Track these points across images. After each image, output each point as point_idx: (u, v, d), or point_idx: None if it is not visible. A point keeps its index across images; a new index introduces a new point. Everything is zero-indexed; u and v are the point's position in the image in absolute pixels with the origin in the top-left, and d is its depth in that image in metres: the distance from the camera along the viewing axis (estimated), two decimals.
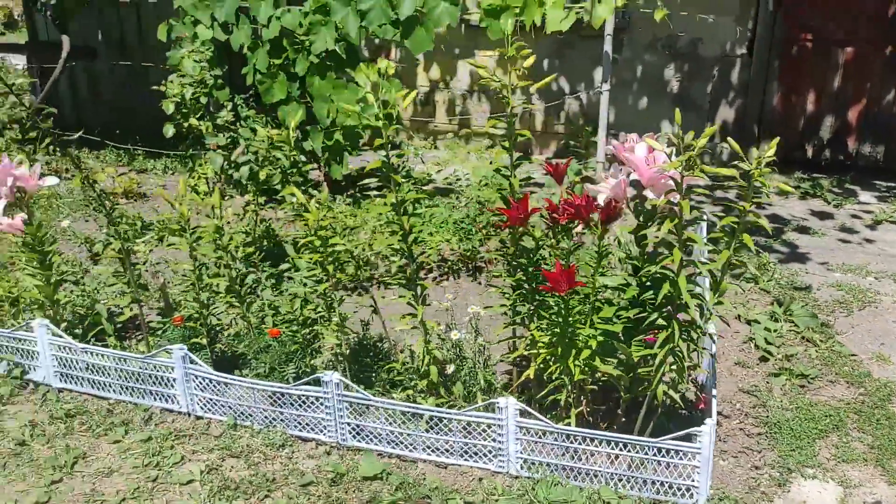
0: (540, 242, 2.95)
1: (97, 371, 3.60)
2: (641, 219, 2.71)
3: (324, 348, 3.71)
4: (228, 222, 3.42)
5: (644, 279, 2.76)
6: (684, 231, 2.51)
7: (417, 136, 7.18)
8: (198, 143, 5.58)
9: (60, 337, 3.61)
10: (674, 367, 2.85)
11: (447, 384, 3.34)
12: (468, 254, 4.70)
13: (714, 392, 3.09)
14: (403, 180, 2.97)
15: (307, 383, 3.24)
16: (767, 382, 3.66)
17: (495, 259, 4.78)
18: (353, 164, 5.68)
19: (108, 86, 7.73)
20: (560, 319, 2.91)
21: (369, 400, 3.17)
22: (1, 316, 4.08)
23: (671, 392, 2.88)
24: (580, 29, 4.89)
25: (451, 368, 3.36)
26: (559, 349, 2.94)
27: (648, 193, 2.58)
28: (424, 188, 5.04)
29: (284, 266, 4.33)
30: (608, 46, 4.79)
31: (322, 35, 5.08)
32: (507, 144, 2.97)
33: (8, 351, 3.73)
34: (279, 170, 3.90)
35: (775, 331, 4.00)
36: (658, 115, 6.54)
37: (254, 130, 4.23)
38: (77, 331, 3.79)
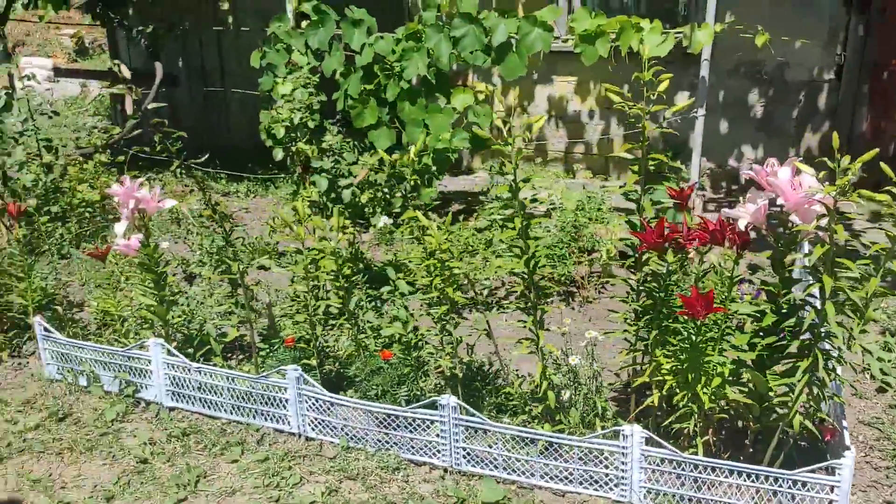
0: (671, 267, 2.92)
1: (208, 390, 3.64)
2: (782, 244, 2.67)
3: (430, 370, 3.71)
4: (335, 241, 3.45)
5: (782, 306, 2.71)
6: (838, 258, 2.46)
7: (493, 160, 7.20)
8: (283, 167, 5.67)
9: (175, 356, 3.66)
10: (810, 396, 2.78)
11: (562, 410, 3.31)
12: (561, 278, 4.68)
13: (844, 423, 3.01)
14: (529, 205, 2.97)
15: (422, 406, 3.24)
16: (889, 415, 3.55)
17: (589, 284, 4.76)
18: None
19: (189, 111, 7.92)
20: (689, 346, 2.87)
21: (486, 424, 3.15)
22: (104, 332, 4.17)
23: (807, 423, 2.81)
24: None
25: (566, 394, 3.33)
26: (688, 376, 2.89)
27: (794, 219, 2.54)
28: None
29: (385, 289, 4.35)
30: (705, 71, 4.77)
31: (414, 61, 5.14)
32: (636, 168, 2.95)
33: (120, 369, 3.80)
34: (381, 193, 3.94)
35: (889, 361, 3.90)
36: (740, 140, 6.47)
37: (361, 152, 4.29)
38: (189, 350, 3.84)
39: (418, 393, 3.52)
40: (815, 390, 2.73)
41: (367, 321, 3.97)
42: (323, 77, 5.49)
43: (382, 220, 5.20)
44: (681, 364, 2.92)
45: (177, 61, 7.79)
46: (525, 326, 3.18)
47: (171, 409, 3.72)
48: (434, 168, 5.39)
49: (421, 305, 4.57)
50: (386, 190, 3.74)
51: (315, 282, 3.58)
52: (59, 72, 8.83)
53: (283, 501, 3.07)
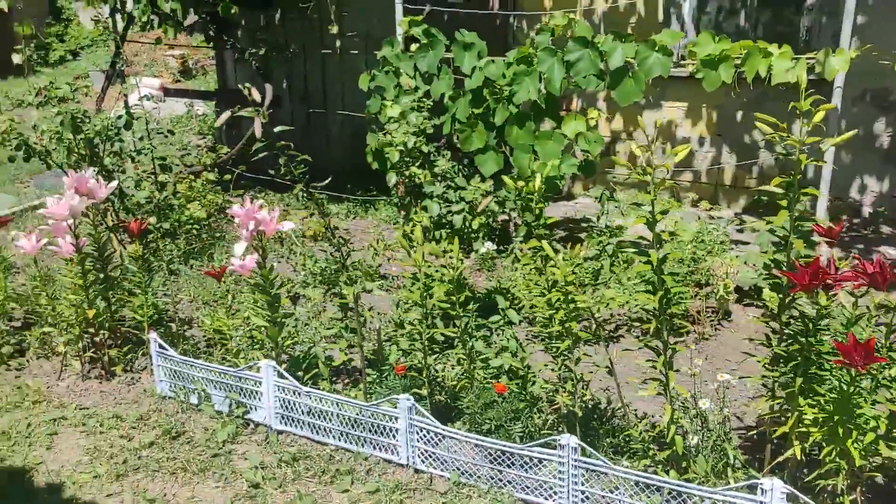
0: (822, 310, 2.70)
1: (317, 415, 3.59)
2: None
3: (544, 406, 3.57)
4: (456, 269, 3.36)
5: None
6: None
7: (594, 187, 7.03)
8: (386, 190, 5.64)
9: (285, 379, 3.63)
10: None
11: (689, 457, 3.11)
12: (678, 313, 4.47)
13: None
14: (667, 239, 2.81)
15: (538, 445, 3.10)
16: None
17: (705, 320, 4.53)
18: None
19: (291, 132, 8.03)
20: (839, 396, 2.65)
21: (608, 468, 2.98)
22: (214, 351, 4.19)
23: None
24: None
25: (693, 440, 3.14)
26: (838, 430, 2.67)
27: None
28: (622, 242, 4.86)
29: (495, 318, 4.24)
30: (837, 99, 4.51)
31: (525, 85, 5.05)
32: (785, 203, 2.76)
33: (231, 389, 3.79)
34: (489, 219, 3.83)
35: None
36: (863, 171, 6.12)
37: (466, 177, 4.21)
38: (299, 373, 3.81)
39: (533, 430, 3.39)
40: None
41: (477, 351, 3.86)
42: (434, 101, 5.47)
43: (486, 246, 5.10)
44: (828, 416, 2.70)
45: (281, 83, 7.92)
46: (654, 366, 3.01)
47: (280, 432, 3.69)
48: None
49: (527, 335, 4.46)
50: (507, 216, 3.62)
51: (427, 308, 3.50)
52: (167, 91, 9.12)
53: None
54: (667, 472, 3.09)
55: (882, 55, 4.62)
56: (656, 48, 4.74)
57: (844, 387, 2.64)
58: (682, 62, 6.07)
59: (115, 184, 4.27)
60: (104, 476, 3.30)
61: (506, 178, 3.55)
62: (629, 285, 4.58)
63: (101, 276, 4.20)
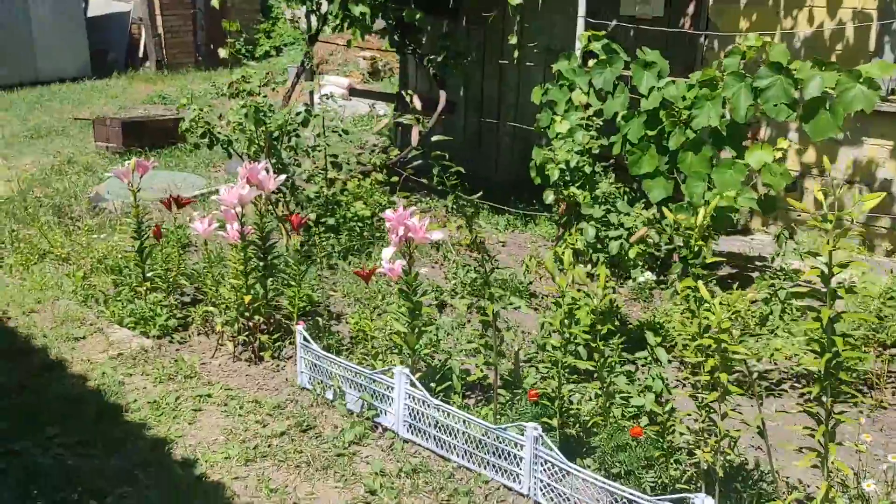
0: None
1: (443, 430, 3.53)
2: None
3: (682, 458, 3.30)
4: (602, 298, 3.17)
5: None
6: None
7: (775, 223, 6.50)
8: (547, 207, 5.50)
9: (417, 388, 3.60)
10: None
11: None
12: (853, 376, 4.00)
13: None
14: (831, 290, 2.48)
15: (671, 500, 2.85)
16: None
17: (886, 386, 4.02)
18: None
19: (462, 138, 8.08)
20: None
21: None
22: (356, 348, 4.23)
23: None
24: None
25: None
26: None
27: None
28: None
29: (641, 354, 3.99)
30: None
31: (706, 110, 4.73)
32: None
33: (364, 390, 3.81)
34: (650, 248, 3.59)
35: None
36: None
37: (632, 202, 4.00)
38: (431, 384, 3.77)
39: (667, 482, 3.13)
40: None
41: (617, 387, 3.64)
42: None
43: (645, 276, 4.82)
44: None
45: (458, 90, 7.99)
46: (813, 436, 2.67)
47: (406, 440, 3.66)
48: (711, 227, 4.92)
49: (677, 378, 4.15)
50: (662, 245, 3.40)
51: (567, 335, 3.33)
52: (353, 91, 9.48)
53: None
54: None
55: None
56: (861, 79, 4.27)
57: None
58: (891, 97, 5.46)
59: (283, 177, 4.44)
60: (234, 458, 3.41)
61: (665, 210, 3.31)
62: (800, 337, 4.15)
63: (262, 264, 4.38)
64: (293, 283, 4.42)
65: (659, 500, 2.89)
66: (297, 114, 5.43)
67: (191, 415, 3.76)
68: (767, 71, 4.52)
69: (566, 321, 3.26)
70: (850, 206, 6.20)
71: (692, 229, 3.06)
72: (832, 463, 2.65)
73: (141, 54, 16.69)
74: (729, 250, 6.19)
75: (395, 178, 6.53)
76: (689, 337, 2.93)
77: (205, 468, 3.34)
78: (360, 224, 6.05)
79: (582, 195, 4.19)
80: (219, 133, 5.27)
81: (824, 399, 2.61)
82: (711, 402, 2.86)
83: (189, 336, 4.68)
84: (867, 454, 3.26)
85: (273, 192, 5.69)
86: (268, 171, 4.38)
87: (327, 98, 6.07)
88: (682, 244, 5.00)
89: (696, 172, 4.76)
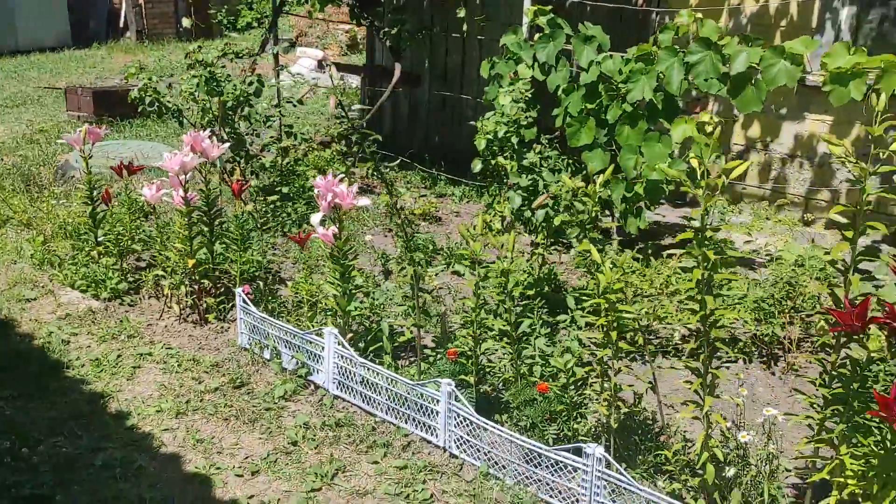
0: (873, 356, 2.47)
1: (369, 387, 3.72)
2: None
3: (589, 412, 3.50)
4: (512, 262, 3.35)
5: None
6: None
7: (723, 196, 6.68)
8: (500, 180, 5.66)
9: (345, 348, 3.78)
10: None
11: (722, 488, 2.94)
12: (765, 338, 4.20)
13: None
14: (715, 255, 2.66)
15: (567, 450, 3.05)
16: None
17: (799, 350, 4.22)
18: (650, 217, 5.40)
19: (425, 112, 8.21)
20: (883, 451, 2.41)
21: (631, 485, 2.88)
22: (299, 317, 4.41)
23: None
24: None
25: (730, 471, 2.96)
26: (875, 486, 2.43)
27: None
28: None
29: (562, 318, 4.18)
30: None
31: (641, 84, 4.88)
32: (849, 235, 2.53)
33: (298, 350, 3.99)
34: (575, 219, 3.76)
35: None
36: None
37: (554, 172, 4.16)
38: (361, 344, 3.95)
39: (570, 434, 3.33)
40: None
41: (539, 348, 3.83)
42: (547, 92, 5.40)
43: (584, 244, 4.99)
44: (870, 469, 2.47)
45: (423, 63, 8.10)
46: (692, 388, 2.87)
47: (336, 397, 3.85)
48: (648, 198, 5.10)
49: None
50: (587, 220, 3.54)
51: (481, 297, 3.51)
52: (320, 64, 9.57)
53: None
54: (695, 501, 2.95)
55: None
56: (785, 56, 4.42)
57: (888, 442, 2.40)
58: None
59: (226, 145, 4.58)
60: (166, 412, 3.60)
61: (563, 177, 3.47)
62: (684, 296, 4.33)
63: (207, 229, 4.54)
64: (236, 247, 4.58)
65: (555, 450, 3.09)
66: (250, 84, 5.56)
67: (130, 371, 3.94)
68: (697, 46, 4.67)
69: (480, 283, 3.44)
70: (793, 182, 6.40)
71: (589, 197, 3.23)
72: (706, 413, 2.84)
73: (122, 24, 16.66)
74: (675, 221, 6.38)
75: (355, 148, 6.67)
76: (588, 298, 3.11)
77: (136, 420, 3.53)
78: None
79: (509, 164, 4.35)
80: (168, 102, 5.40)
81: (702, 354, 2.80)
82: (604, 357, 3.05)
83: (140, 299, 4.85)
84: (746, 407, 3.48)
85: (229, 162, 5.86)
86: (212, 140, 4.53)
87: (296, 75, 6.19)
88: (619, 214, 5.19)
89: (630, 145, 4.92)
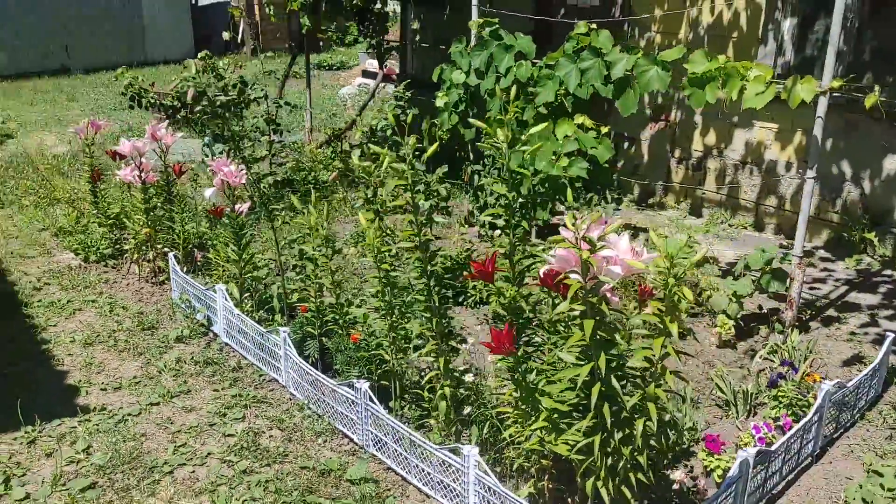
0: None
1: (244, 335, 4.45)
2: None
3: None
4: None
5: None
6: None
7: (686, 201, 6.89)
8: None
9: (227, 301, 4.54)
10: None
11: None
12: None
13: None
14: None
15: (348, 385, 3.65)
16: None
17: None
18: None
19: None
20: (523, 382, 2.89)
21: (379, 414, 3.45)
22: (219, 278, 5.20)
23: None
24: (874, 111, 4.20)
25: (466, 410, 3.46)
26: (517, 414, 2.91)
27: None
28: None
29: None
30: (818, 130, 4.19)
31: (548, 87, 5.34)
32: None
33: (201, 303, 4.78)
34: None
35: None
36: None
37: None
38: (247, 300, 4.69)
39: (369, 377, 3.90)
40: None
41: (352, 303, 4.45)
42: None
43: (438, 220, 5.43)
44: (519, 399, 2.93)
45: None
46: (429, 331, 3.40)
47: (226, 344, 4.60)
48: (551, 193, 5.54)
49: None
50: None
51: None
52: (364, 73, 10.44)
53: (217, 430, 3.72)
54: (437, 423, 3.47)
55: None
56: (657, 63, 4.78)
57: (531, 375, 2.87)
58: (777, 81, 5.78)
59: (180, 135, 5.49)
60: (78, 342, 4.50)
61: (438, 173, 4.08)
62: None
63: (161, 204, 5.45)
64: (169, 222, 5.45)
65: (339, 384, 3.70)
66: (234, 86, 6.48)
67: (70, 312, 4.89)
68: (589, 54, 5.09)
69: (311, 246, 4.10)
70: (746, 188, 6.55)
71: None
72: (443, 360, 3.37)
73: (239, 40, 18.44)
74: (627, 221, 6.70)
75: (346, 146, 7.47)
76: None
77: (51, 346, 4.45)
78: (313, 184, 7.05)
79: (385, 154, 4.93)
80: (152, 98, 6.44)
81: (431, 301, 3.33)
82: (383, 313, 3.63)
83: (122, 263, 5.84)
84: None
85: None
86: (169, 130, 5.44)
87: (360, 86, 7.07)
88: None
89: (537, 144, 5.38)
